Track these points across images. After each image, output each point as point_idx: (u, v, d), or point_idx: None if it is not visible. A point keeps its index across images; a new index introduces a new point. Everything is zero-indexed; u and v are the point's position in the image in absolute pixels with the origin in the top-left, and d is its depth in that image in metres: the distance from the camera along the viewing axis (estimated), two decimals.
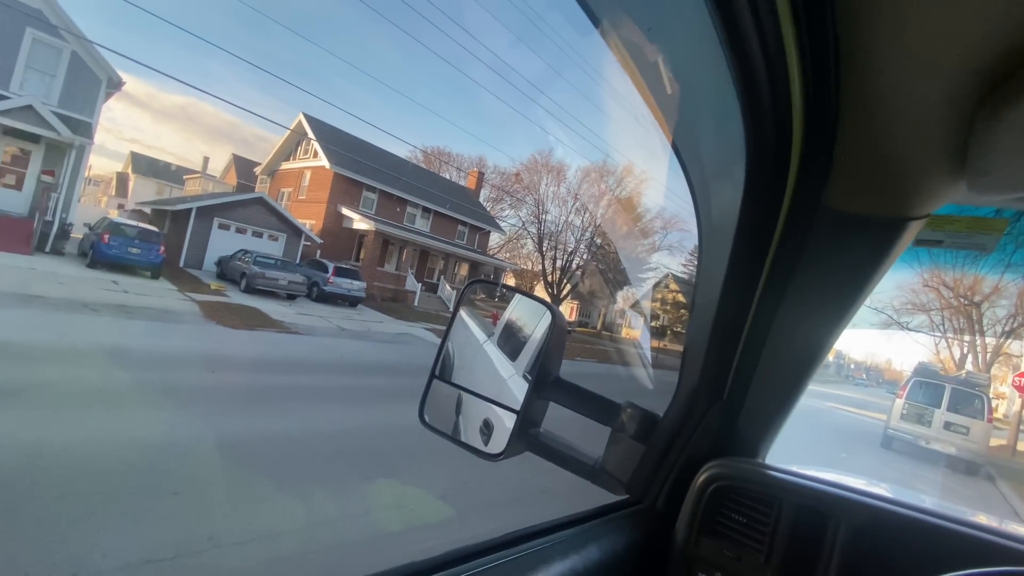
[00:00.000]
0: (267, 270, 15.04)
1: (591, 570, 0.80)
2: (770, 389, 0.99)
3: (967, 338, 13.02)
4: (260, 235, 18.90)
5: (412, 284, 21.60)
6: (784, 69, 0.59)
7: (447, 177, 30.88)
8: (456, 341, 1.09)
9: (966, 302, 12.36)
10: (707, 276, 0.91)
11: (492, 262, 26.59)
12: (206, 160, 37.53)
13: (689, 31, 0.61)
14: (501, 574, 0.69)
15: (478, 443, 1.07)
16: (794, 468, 1.09)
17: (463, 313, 1.57)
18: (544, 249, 28.65)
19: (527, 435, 0.93)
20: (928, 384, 9.18)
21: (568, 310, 30.25)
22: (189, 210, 17.40)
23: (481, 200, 30.23)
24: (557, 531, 0.85)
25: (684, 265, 28.98)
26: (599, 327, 31.56)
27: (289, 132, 22.70)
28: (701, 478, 0.95)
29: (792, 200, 0.78)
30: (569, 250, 28.46)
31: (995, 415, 10.16)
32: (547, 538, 0.81)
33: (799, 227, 0.81)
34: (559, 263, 28.45)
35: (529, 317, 1.21)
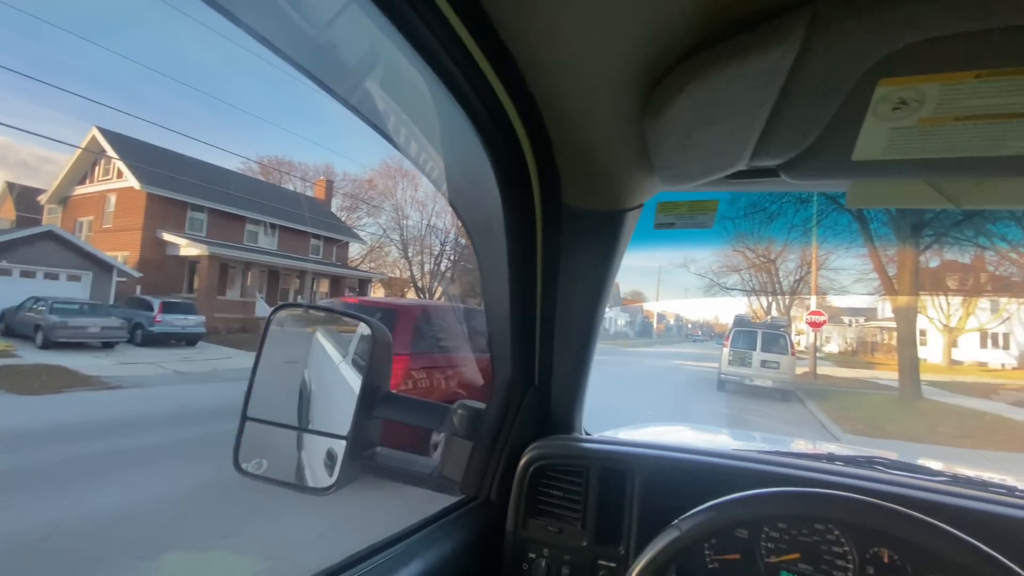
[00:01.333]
0: (70, 318, 12.30)
1: (432, 574, 0.81)
2: (568, 367, 1.07)
3: (769, 289, 16.02)
4: (55, 277, 15.36)
5: (264, 310, 19.50)
6: (491, 91, 0.64)
7: (291, 188, 28.42)
8: (268, 372, 1.01)
9: (765, 260, 15.17)
10: (491, 277, 0.97)
11: (355, 274, 25.26)
12: None
13: (417, 87, 0.66)
14: None
15: (309, 478, 1.03)
16: (606, 434, 1.23)
17: (320, 336, 1.46)
18: (410, 255, 28.08)
19: (361, 458, 0.90)
20: (744, 332, 11.05)
21: None
22: None
23: (334, 210, 28.46)
24: (398, 543, 0.85)
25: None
26: None
27: (80, 150, 18.79)
28: (522, 462, 1.00)
29: (542, 202, 0.88)
30: (435, 253, 28.29)
31: (797, 349, 12.62)
32: (387, 552, 0.81)
33: (552, 225, 0.91)
34: (427, 267, 28.13)
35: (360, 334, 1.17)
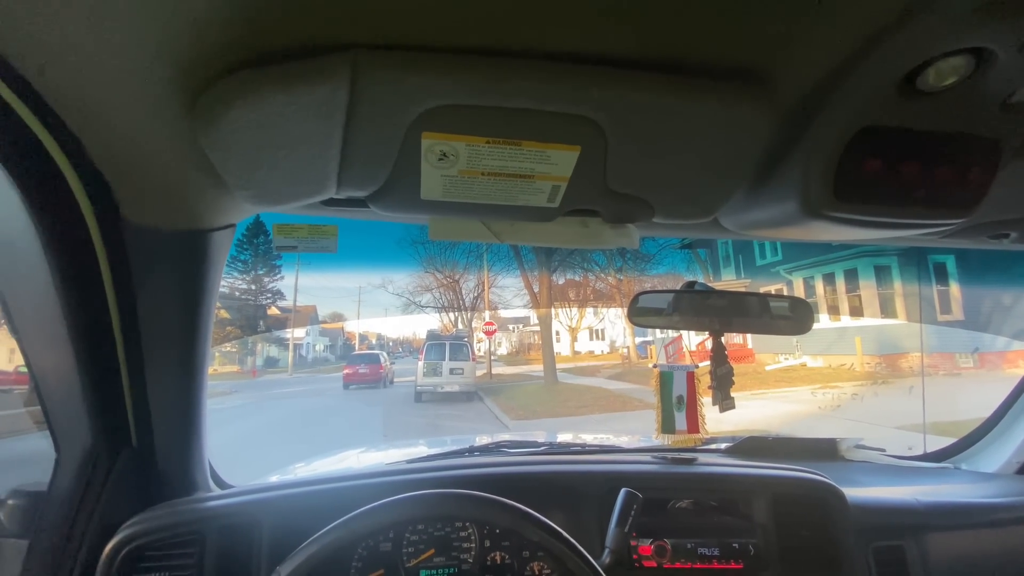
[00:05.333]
0: None
1: None
2: (175, 414, 0.92)
3: (455, 305, 18.28)
4: None
5: None
6: None
7: None
8: None
9: (451, 280, 17.22)
10: (32, 315, 0.77)
11: None
12: None
13: None
14: None
15: None
16: (256, 483, 1.08)
17: None
18: None
19: None
20: (435, 344, 12.25)
21: None
22: None
23: None
24: None
25: None
26: None
27: None
28: (107, 551, 0.81)
29: (96, 217, 0.74)
30: None
31: (477, 355, 14.75)
32: None
33: (115, 244, 0.78)
34: None
35: None
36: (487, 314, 18.27)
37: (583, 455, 1.28)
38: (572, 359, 21.85)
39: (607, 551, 0.85)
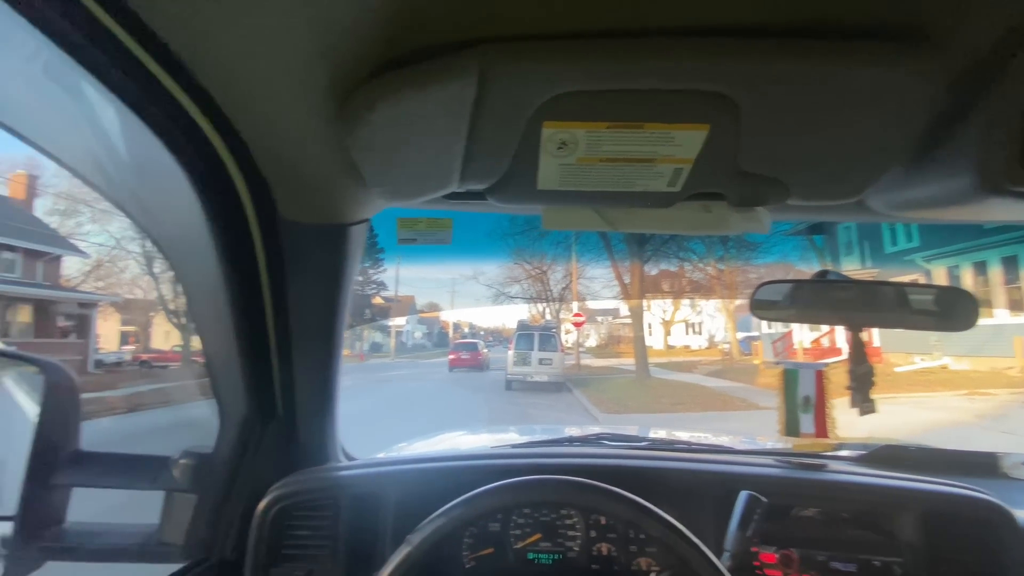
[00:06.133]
0: None
1: None
2: (314, 392, 1.00)
3: (543, 296, 18.40)
4: None
5: None
6: (159, 86, 0.58)
7: None
8: None
9: (539, 272, 17.34)
10: (205, 300, 0.87)
11: (72, 297, 19.44)
12: None
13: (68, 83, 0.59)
14: None
15: None
16: (379, 455, 1.18)
17: (9, 384, 1.13)
18: (156, 271, 22.90)
19: (40, 539, 0.74)
20: (524, 335, 12.46)
21: None
22: None
23: (39, 214, 21.42)
24: None
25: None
26: None
27: None
28: (260, 506, 0.92)
29: (257, 215, 0.81)
30: None
31: (565, 346, 14.77)
32: None
33: (271, 239, 0.85)
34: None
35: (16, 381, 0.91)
36: (575, 305, 18.13)
37: (691, 453, 1.22)
38: (665, 353, 20.92)
39: (726, 554, 0.80)
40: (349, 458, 1.15)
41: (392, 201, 0.80)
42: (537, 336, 12.21)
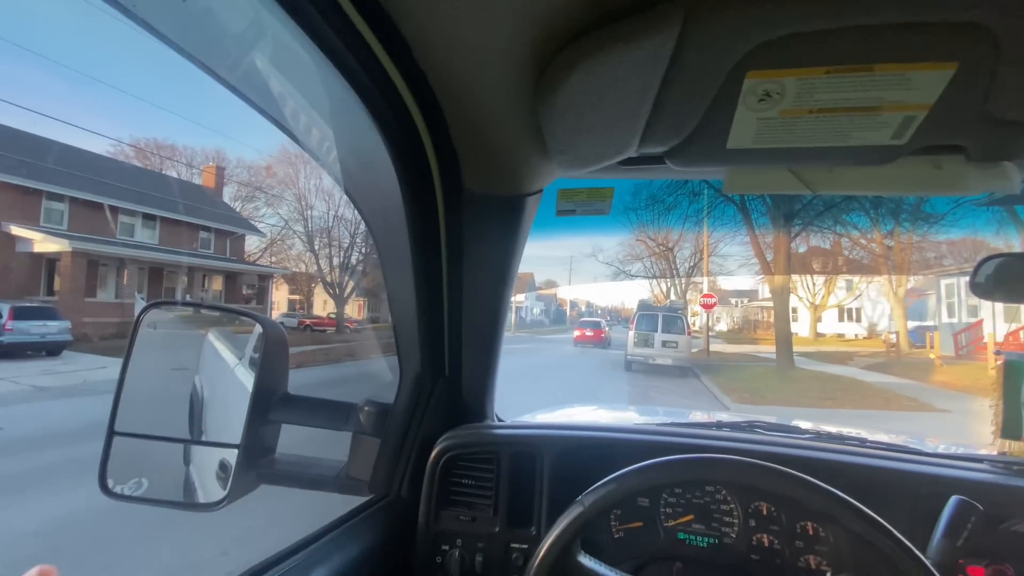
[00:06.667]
0: None
1: None
2: (478, 355, 1.08)
3: (668, 274, 17.31)
4: None
5: None
6: (380, 66, 0.62)
7: (174, 175, 25.48)
8: (143, 380, 0.93)
9: (663, 248, 16.32)
10: (394, 266, 0.95)
11: (253, 269, 23.36)
12: None
13: (301, 64, 0.64)
14: None
15: (199, 494, 0.92)
16: (520, 419, 1.25)
17: (213, 338, 1.34)
18: (316, 248, 26.46)
19: (256, 467, 0.85)
20: (647, 315, 11.86)
21: (356, 308, 28.91)
22: None
23: (227, 199, 25.99)
24: (303, 549, 0.81)
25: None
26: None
27: None
28: (433, 454, 1.01)
29: (443, 186, 0.87)
30: (345, 246, 26.92)
31: (692, 329, 13.84)
32: (291, 560, 0.77)
33: (454, 210, 0.91)
34: (336, 261, 26.69)
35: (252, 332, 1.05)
36: (705, 284, 16.81)
37: (870, 449, 1.03)
38: (813, 342, 18.40)
39: (929, 563, 0.66)
40: (499, 419, 1.21)
41: (571, 170, 0.80)
42: (661, 317, 11.58)
